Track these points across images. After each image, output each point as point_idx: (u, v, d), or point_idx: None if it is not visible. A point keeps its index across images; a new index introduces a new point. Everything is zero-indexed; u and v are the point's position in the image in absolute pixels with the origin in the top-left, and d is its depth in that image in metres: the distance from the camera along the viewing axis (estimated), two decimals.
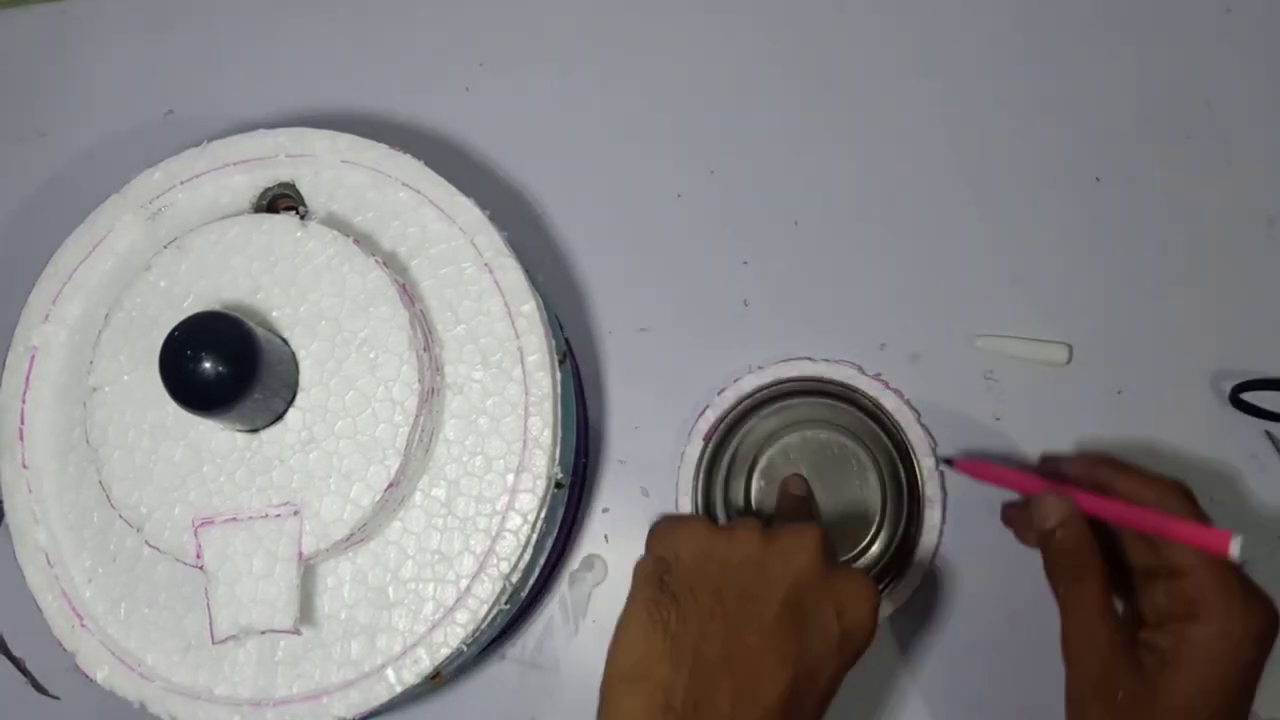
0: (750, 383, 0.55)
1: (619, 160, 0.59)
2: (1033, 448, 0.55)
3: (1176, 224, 0.57)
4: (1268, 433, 0.54)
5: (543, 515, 0.45)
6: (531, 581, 0.48)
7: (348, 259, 0.44)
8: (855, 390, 0.55)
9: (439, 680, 0.45)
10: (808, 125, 0.59)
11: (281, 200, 0.48)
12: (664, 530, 0.43)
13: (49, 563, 0.46)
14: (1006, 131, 0.58)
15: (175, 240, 0.45)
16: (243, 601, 0.41)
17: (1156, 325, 0.56)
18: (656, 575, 0.42)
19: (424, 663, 0.43)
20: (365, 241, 0.45)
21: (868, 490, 0.54)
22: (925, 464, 0.54)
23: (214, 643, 0.42)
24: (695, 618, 0.40)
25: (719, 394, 0.55)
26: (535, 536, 0.45)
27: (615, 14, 0.61)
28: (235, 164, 0.48)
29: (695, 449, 0.55)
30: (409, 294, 0.45)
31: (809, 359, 0.55)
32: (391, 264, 0.46)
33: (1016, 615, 0.53)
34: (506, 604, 0.45)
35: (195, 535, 0.42)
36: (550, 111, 0.60)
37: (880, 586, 0.53)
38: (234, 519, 0.42)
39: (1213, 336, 0.55)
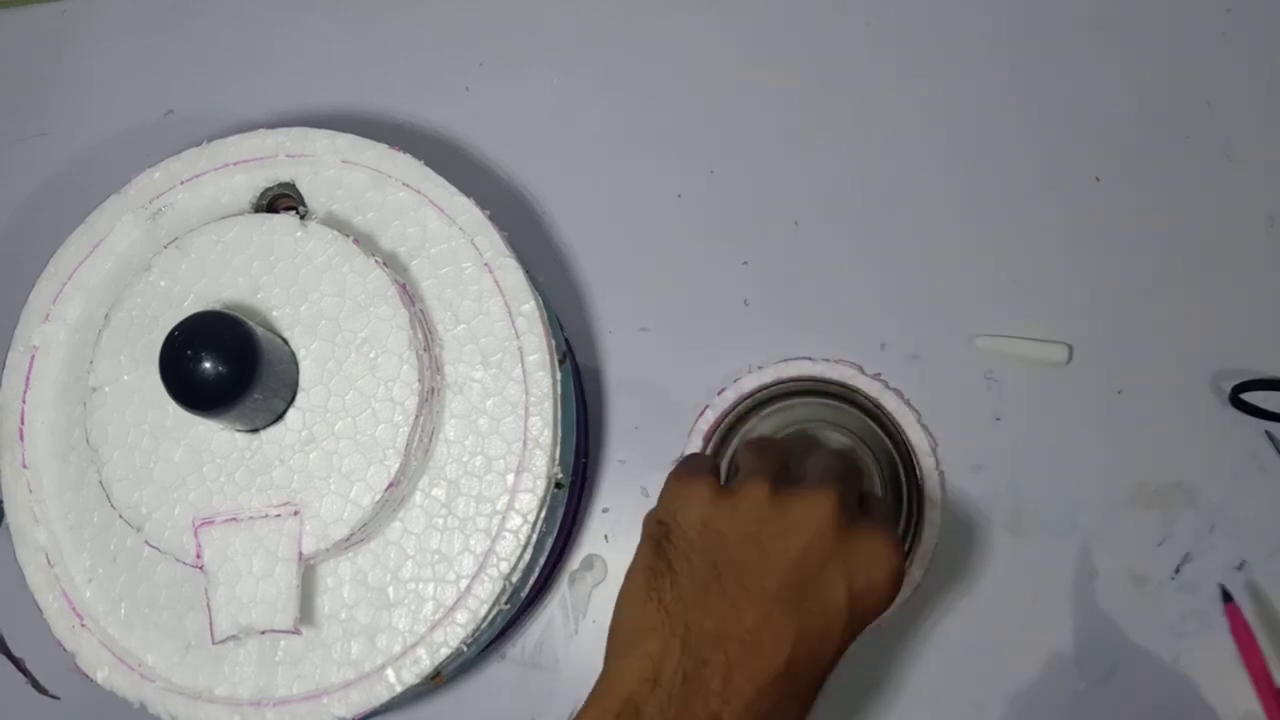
0: (750, 383, 0.55)
1: (619, 160, 0.59)
2: (1033, 448, 0.55)
3: (1176, 224, 0.57)
4: (1268, 433, 0.54)
5: (543, 515, 0.45)
6: (531, 581, 0.48)
7: (348, 259, 0.44)
8: (855, 390, 0.55)
9: (439, 680, 0.45)
10: (808, 125, 0.59)
11: (281, 200, 0.48)
12: (671, 489, 0.42)
13: (49, 563, 0.46)
14: (1006, 131, 0.58)
15: (175, 240, 0.45)
16: (243, 601, 0.41)
17: (1156, 325, 0.56)
18: (657, 539, 0.40)
19: (424, 663, 0.43)
20: (365, 241, 0.45)
21: (869, 489, 0.54)
22: (926, 463, 0.54)
23: (214, 643, 0.42)
24: (690, 590, 0.39)
25: (719, 394, 0.55)
26: (535, 536, 0.45)
27: (615, 14, 0.61)
28: (235, 164, 0.48)
29: (695, 449, 0.55)
30: (409, 294, 0.45)
31: (809, 359, 0.55)
32: (391, 264, 0.46)
33: (1017, 615, 0.53)
34: (506, 604, 0.45)
35: (195, 535, 0.42)
36: (550, 111, 0.60)
37: None
38: (234, 519, 0.42)
39: (1213, 336, 0.55)
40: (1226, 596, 0.52)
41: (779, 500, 0.40)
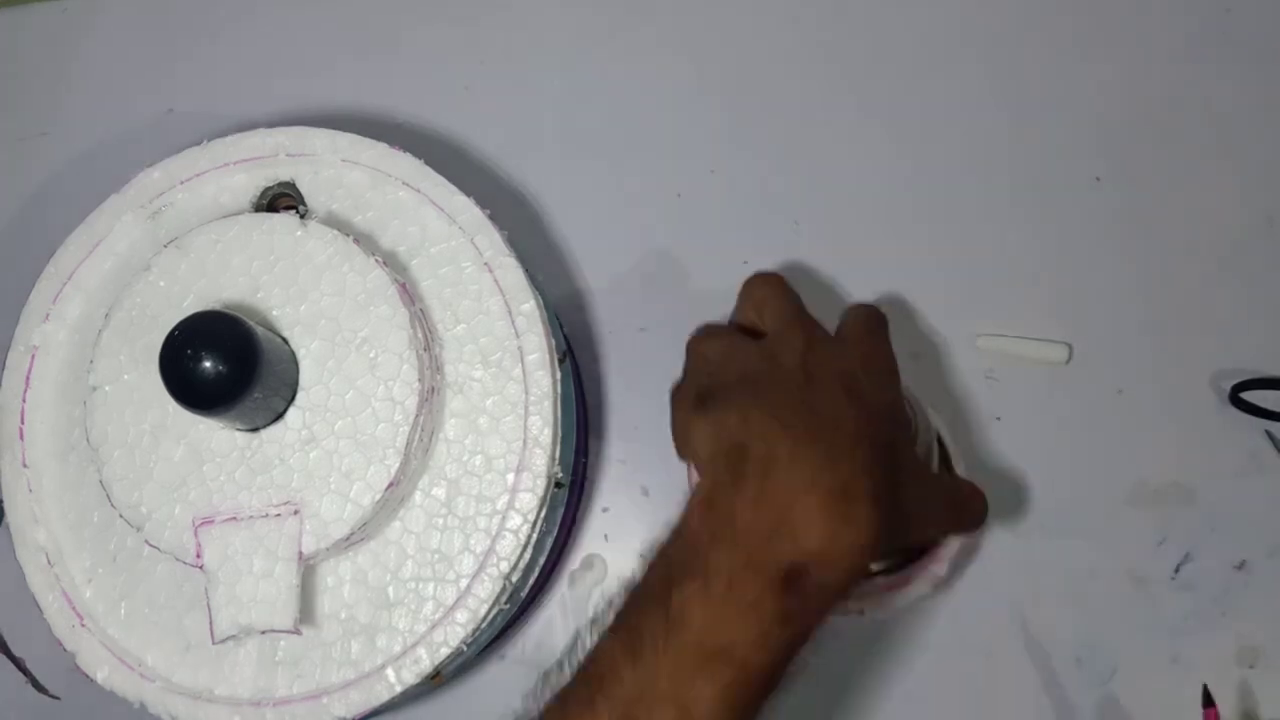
0: None
1: (619, 160, 0.59)
2: (1033, 448, 0.55)
3: (1176, 224, 0.57)
4: (1268, 433, 0.54)
5: (543, 515, 0.45)
6: (531, 581, 0.48)
7: (348, 258, 0.44)
8: None
9: (439, 680, 0.45)
10: (808, 125, 0.59)
11: (281, 199, 0.48)
12: (693, 346, 0.45)
13: (49, 562, 0.46)
14: (1006, 131, 0.58)
15: (175, 240, 0.45)
16: (243, 601, 0.41)
17: (1156, 325, 0.56)
18: (694, 390, 0.42)
19: (424, 662, 0.43)
20: (365, 241, 0.45)
21: None
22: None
23: (214, 643, 0.42)
24: (743, 396, 0.40)
25: None
26: (535, 536, 0.45)
27: (615, 14, 0.61)
28: (235, 163, 0.48)
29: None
30: (409, 293, 0.45)
31: None
32: (391, 263, 0.46)
33: (1017, 615, 0.53)
34: (506, 604, 0.45)
35: (195, 535, 0.42)
36: (550, 111, 0.60)
37: None
38: (234, 518, 0.42)
39: (1213, 336, 0.55)
40: (1208, 700, 0.49)
41: (760, 348, 0.42)
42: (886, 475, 0.38)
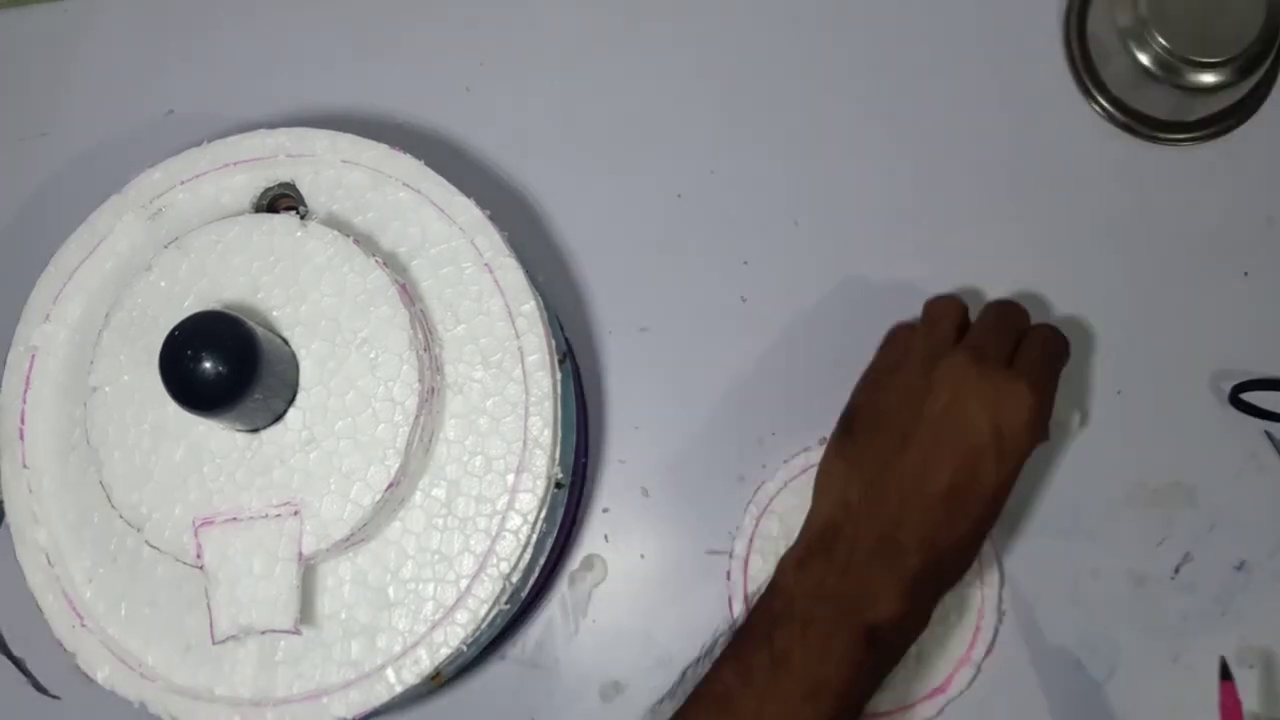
0: None
1: (619, 160, 0.59)
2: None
3: (1176, 224, 0.57)
4: (1267, 433, 0.54)
5: (543, 515, 0.45)
6: (531, 581, 0.48)
7: (348, 259, 0.44)
8: None
9: (439, 680, 0.45)
10: (808, 125, 0.59)
11: (282, 200, 0.48)
12: (865, 384, 0.51)
13: (49, 563, 0.46)
14: (1006, 131, 0.58)
15: (175, 240, 0.45)
16: (243, 601, 0.41)
17: (1156, 325, 0.56)
18: (845, 420, 0.50)
19: (424, 663, 0.43)
20: (365, 241, 0.45)
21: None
22: None
23: (214, 643, 0.42)
24: (867, 447, 0.48)
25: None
26: (535, 536, 0.45)
27: (615, 14, 0.61)
28: (235, 164, 0.48)
29: (751, 520, 0.55)
30: (409, 294, 0.45)
31: None
32: (391, 264, 0.46)
33: (1017, 616, 0.53)
34: (506, 604, 0.45)
35: (195, 535, 0.42)
36: (550, 111, 0.60)
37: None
38: (234, 519, 0.42)
39: (1213, 336, 0.55)
40: (1225, 673, 0.50)
41: (925, 371, 0.48)
42: (968, 541, 0.47)
